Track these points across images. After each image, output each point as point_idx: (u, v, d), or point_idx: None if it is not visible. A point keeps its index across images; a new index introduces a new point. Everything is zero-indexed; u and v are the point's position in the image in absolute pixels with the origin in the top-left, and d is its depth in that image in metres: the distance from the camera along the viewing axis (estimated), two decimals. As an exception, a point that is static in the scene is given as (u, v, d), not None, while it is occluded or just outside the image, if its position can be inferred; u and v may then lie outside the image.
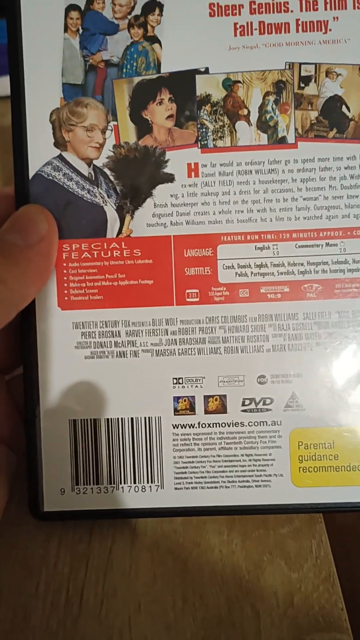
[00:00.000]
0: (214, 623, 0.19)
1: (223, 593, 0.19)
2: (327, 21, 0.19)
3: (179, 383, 0.20)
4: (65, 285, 0.20)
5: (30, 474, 0.20)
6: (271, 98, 0.19)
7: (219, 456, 0.20)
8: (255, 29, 0.19)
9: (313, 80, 0.19)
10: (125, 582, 0.20)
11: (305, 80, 0.19)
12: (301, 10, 0.19)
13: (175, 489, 0.20)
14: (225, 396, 0.20)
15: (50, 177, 0.20)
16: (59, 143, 0.20)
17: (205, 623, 0.19)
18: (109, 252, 0.20)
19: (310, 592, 0.19)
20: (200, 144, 0.20)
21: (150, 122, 0.20)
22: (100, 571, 0.20)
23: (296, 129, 0.19)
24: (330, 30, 0.19)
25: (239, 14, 0.19)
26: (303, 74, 0.19)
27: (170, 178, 0.20)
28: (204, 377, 0.20)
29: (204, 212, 0.20)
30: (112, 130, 0.20)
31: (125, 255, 0.20)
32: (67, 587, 0.20)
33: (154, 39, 0.19)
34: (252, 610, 0.19)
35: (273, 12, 0.19)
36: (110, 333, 0.20)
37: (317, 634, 0.18)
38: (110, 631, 0.19)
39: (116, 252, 0.20)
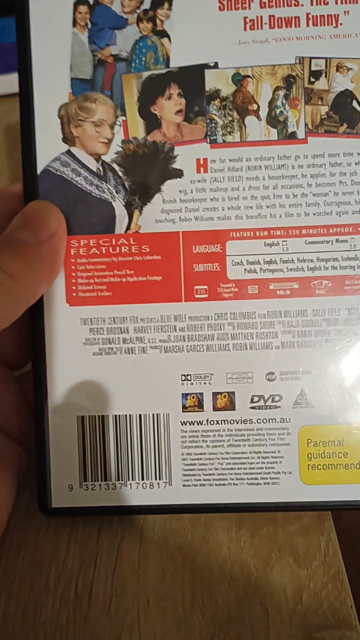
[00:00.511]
0: (223, 620, 0.19)
1: (232, 590, 0.19)
2: (338, 15, 0.19)
3: (187, 380, 0.20)
4: (74, 281, 0.20)
5: (38, 470, 0.20)
6: (281, 93, 0.19)
7: (227, 453, 0.20)
8: (265, 23, 0.19)
9: (323, 74, 0.19)
10: (134, 578, 0.20)
11: (316, 74, 0.19)
12: (311, 4, 0.19)
13: (184, 485, 0.20)
14: (233, 393, 0.20)
15: (59, 173, 0.20)
16: (68, 138, 0.20)
17: (214, 620, 0.19)
18: (118, 248, 0.20)
19: (319, 589, 0.19)
20: (210, 139, 0.19)
21: (159, 117, 0.19)
22: (109, 567, 0.20)
23: (306, 124, 0.19)
24: (341, 24, 0.19)
25: (249, 7, 0.19)
26: (313, 68, 0.19)
27: (179, 174, 0.19)
28: (213, 374, 0.20)
29: (213, 208, 0.19)
30: (120, 126, 0.20)
31: (133, 251, 0.20)
32: (77, 583, 0.20)
33: (163, 34, 0.19)
34: (261, 607, 0.19)
35: (283, 6, 0.19)
36: (119, 329, 0.20)
37: (327, 631, 0.18)
38: (120, 627, 0.19)
39: (124, 248, 0.20)
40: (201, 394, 0.20)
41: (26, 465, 0.21)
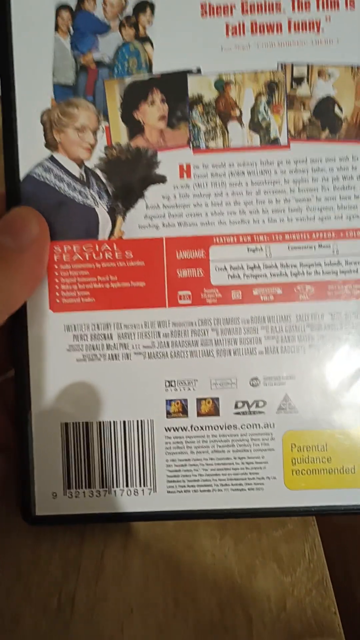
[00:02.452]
0: (207, 627, 0.19)
1: (215, 597, 0.19)
2: (320, 21, 0.19)
3: (172, 386, 0.20)
4: (57, 287, 0.20)
5: (21, 477, 0.20)
6: (263, 99, 0.19)
7: (211, 459, 0.20)
8: (248, 29, 0.19)
9: (305, 80, 0.19)
10: (117, 586, 0.20)
11: (298, 80, 0.19)
12: (293, 10, 0.19)
13: (168, 492, 0.20)
14: (217, 399, 0.20)
15: (42, 179, 0.19)
16: (50, 144, 0.20)
17: (197, 627, 0.19)
18: (101, 254, 0.20)
19: (303, 596, 0.19)
20: (193, 144, 0.19)
21: (142, 123, 0.19)
22: (92, 575, 0.20)
23: (288, 130, 0.19)
24: (322, 30, 0.19)
25: (231, 14, 0.19)
26: (295, 74, 0.19)
27: (162, 179, 0.19)
28: (197, 380, 0.20)
29: (196, 214, 0.19)
30: (103, 131, 0.19)
31: (117, 257, 0.20)
32: (59, 591, 0.19)
33: (146, 39, 0.19)
34: (244, 614, 0.19)
35: (265, 12, 0.19)
36: (102, 336, 0.20)
37: (310, 638, 0.18)
38: (102, 635, 0.18)
39: (108, 254, 0.20)
40: (185, 400, 0.20)
41: (6, 472, 0.20)
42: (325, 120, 0.19)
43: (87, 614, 0.19)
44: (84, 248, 0.20)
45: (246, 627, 0.19)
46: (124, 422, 0.20)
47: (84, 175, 0.20)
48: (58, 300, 0.20)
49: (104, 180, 0.20)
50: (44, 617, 0.19)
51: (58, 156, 0.20)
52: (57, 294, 0.20)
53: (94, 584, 0.20)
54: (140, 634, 0.18)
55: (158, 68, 0.19)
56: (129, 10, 0.19)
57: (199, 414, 0.20)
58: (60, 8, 0.19)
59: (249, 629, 0.18)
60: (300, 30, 0.19)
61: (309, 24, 0.19)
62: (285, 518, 0.21)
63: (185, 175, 0.19)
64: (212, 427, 0.20)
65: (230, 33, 0.19)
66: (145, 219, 0.19)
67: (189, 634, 0.18)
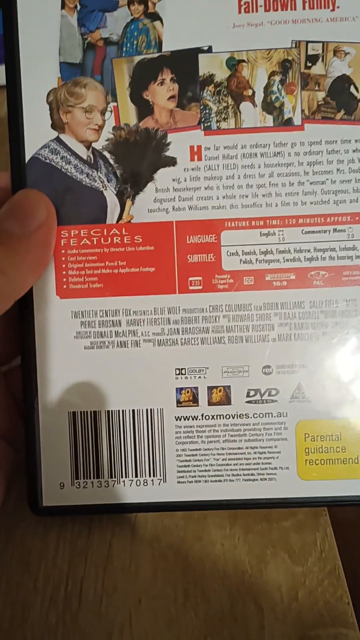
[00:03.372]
0: (217, 618, 0.18)
1: (225, 588, 0.19)
2: (335, -2, 0.18)
3: (182, 374, 0.19)
4: (64, 273, 0.19)
5: (29, 468, 0.19)
6: (277, 78, 0.19)
7: (222, 449, 0.19)
8: (261, 6, 0.18)
9: (320, 59, 0.19)
10: (126, 577, 0.19)
11: (312, 59, 0.19)
12: (308, -15, 0.18)
13: (178, 482, 0.19)
14: (229, 387, 0.19)
15: (48, 161, 0.19)
16: (57, 125, 0.19)
17: (207, 619, 0.18)
18: (109, 238, 0.19)
19: (315, 586, 0.19)
20: (204, 125, 0.19)
21: (151, 103, 0.19)
22: (99, 566, 0.19)
23: (303, 111, 0.19)
24: (337, 7, 0.19)
25: (244, -11, 0.18)
26: (310, 52, 0.19)
27: (172, 162, 0.19)
28: (208, 368, 0.19)
29: (208, 197, 0.19)
30: (111, 112, 0.19)
31: (125, 241, 0.19)
32: (66, 582, 0.19)
33: (155, 16, 0.19)
34: (255, 605, 0.19)
35: (279, -13, 0.18)
36: (111, 322, 0.19)
37: (322, 629, 0.18)
38: (111, 627, 0.18)
39: (116, 239, 0.19)
40: (196, 388, 0.19)
41: (15, 463, 0.20)
42: (340, 100, 0.19)
43: (95, 604, 0.19)
44: (92, 232, 0.19)
45: (257, 618, 0.18)
46: (133, 410, 0.19)
47: (92, 157, 0.19)
48: (65, 286, 0.19)
49: (112, 162, 0.19)
50: (52, 607, 0.18)
51: (65, 137, 0.19)
52: (65, 279, 0.19)
53: (102, 574, 0.19)
54: (149, 625, 0.18)
55: (168, 46, 0.19)
56: (138, -15, 0.19)
57: (210, 403, 0.19)
58: (67, -17, 0.19)
59: (260, 620, 0.18)
60: (315, 6, 0.18)
61: (324, 0, 0.19)
62: (296, 508, 0.20)
63: (196, 157, 0.19)
64: (223, 416, 0.19)
65: (242, 10, 0.19)
66: (155, 203, 0.19)
67: (198, 625, 0.18)
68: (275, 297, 0.19)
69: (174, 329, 0.19)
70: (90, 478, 0.19)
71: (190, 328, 0.19)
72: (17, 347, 0.19)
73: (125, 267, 0.19)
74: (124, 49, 0.19)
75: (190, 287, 0.19)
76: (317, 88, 0.19)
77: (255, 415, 0.19)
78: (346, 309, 0.19)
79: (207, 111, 0.19)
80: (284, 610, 0.18)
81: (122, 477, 0.19)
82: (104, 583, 0.19)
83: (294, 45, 0.19)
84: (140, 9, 0.19)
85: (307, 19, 0.19)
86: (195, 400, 0.19)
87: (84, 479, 0.19)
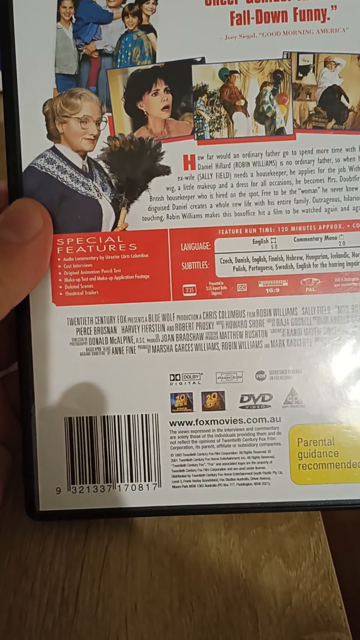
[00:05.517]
0: (212, 623, 0.18)
1: (221, 592, 0.19)
2: (325, 10, 0.19)
3: (176, 379, 0.19)
4: (60, 280, 0.19)
5: (25, 472, 0.19)
6: (269, 88, 0.19)
7: (217, 454, 0.19)
8: (252, 18, 0.19)
9: (311, 70, 0.19)
10: (122, 582, 0.19)
11: (304, 70, 0.19)
12: (299, -2, 0.19)
13: (173, 487, 0.19)
14: (223, 393, 0.19)
15: (44, 170, 0.19)
16: (53, 135, 0.19)
17: (202, 623, 0.18)
18: (104, 246, 0.19)
19: (309, 590, 0.19)
20: (197, 135, 0.19)
21: (145, 113, 0.19)
22: (96, 571, 0.20)
23: (294, 120, 0.19)
24: (328, 19, 0.19)
25: (236, 2, 0.19)
26: (301, 63, 0.19)
27: (166, 170, 0.19)
28: (202, 374, 0.19)
29: (201, 205, 0.19)
30: (106, 122, 0.19)
31: (120, 249, 0.19)
32: (63, 587, 0.19)
33: (149, 28, 0.19)
34: (250, 610, 0.19)
35: (270, 0, 0.19)
36: (106, 329, 0.19)
37: (316, 633, 0.18)
38: (107, 632, 0.18)
39: (111, 247, 0.19)
40: (190, 393, 0.19)
41: (13, 467, 0.20)
42: (331, 110, 0.19)
43: (91, 609, 0.19)
44: (88, 240, 0.19)
45: (251, 622, 0.18)
46: (129, 416, 0.19)
47: (87, 166, 0.19)
48: (61, 294, 0.19)
49: (107, 171, 0.19)
50: (49, 612, 0.19)
51: (60, 147, 0.19)
52: (61, 287, 0.19)
53: (99, 579, 0.19)
54: (145, 630, 0.18)
55: (162, 57, 0.19)
56: (132, -2, 0.19)
57: (205, 408, 0.19)
58: (62, -4, 0.19)
59: (255, 625, 0.18)
60: (306, 18, 0.19)
61: (315, 12, 0.19)
62: (290, 513, 0.20)
63: (189, 166, 0.19)
64: (217, 421, 0.19)
65: (235, 22, 0.19)
66: (149, 211, 0.19)
67: (193, 629, 0.18)
68: (268, 303, 0.19)
69: (169, 335, 0.19)
70: (86, 483, 0.20)
71: (184, 334, 0.19)
72: (13, 353, 0.20)
73: (120, 275, 0.19)
74: (119, 60, 0.19)
75: (185, 294, 0.19)
76: (308, 98, 0.19)
77: (249, 421, 0.19)
78: (338, 315, 0.19)
79: (201, 121, 0.19)
80: (278, 615, 0.19)
81: (117, 481, 0.19)
82: (100, 588, 0.19)
83: (285, 56, 0.19)
84: (134, 22, 0.19)
85: (298, 31, 0.19)
86: (189, 405, 0.19)
87: (80, 483, 0.20)
